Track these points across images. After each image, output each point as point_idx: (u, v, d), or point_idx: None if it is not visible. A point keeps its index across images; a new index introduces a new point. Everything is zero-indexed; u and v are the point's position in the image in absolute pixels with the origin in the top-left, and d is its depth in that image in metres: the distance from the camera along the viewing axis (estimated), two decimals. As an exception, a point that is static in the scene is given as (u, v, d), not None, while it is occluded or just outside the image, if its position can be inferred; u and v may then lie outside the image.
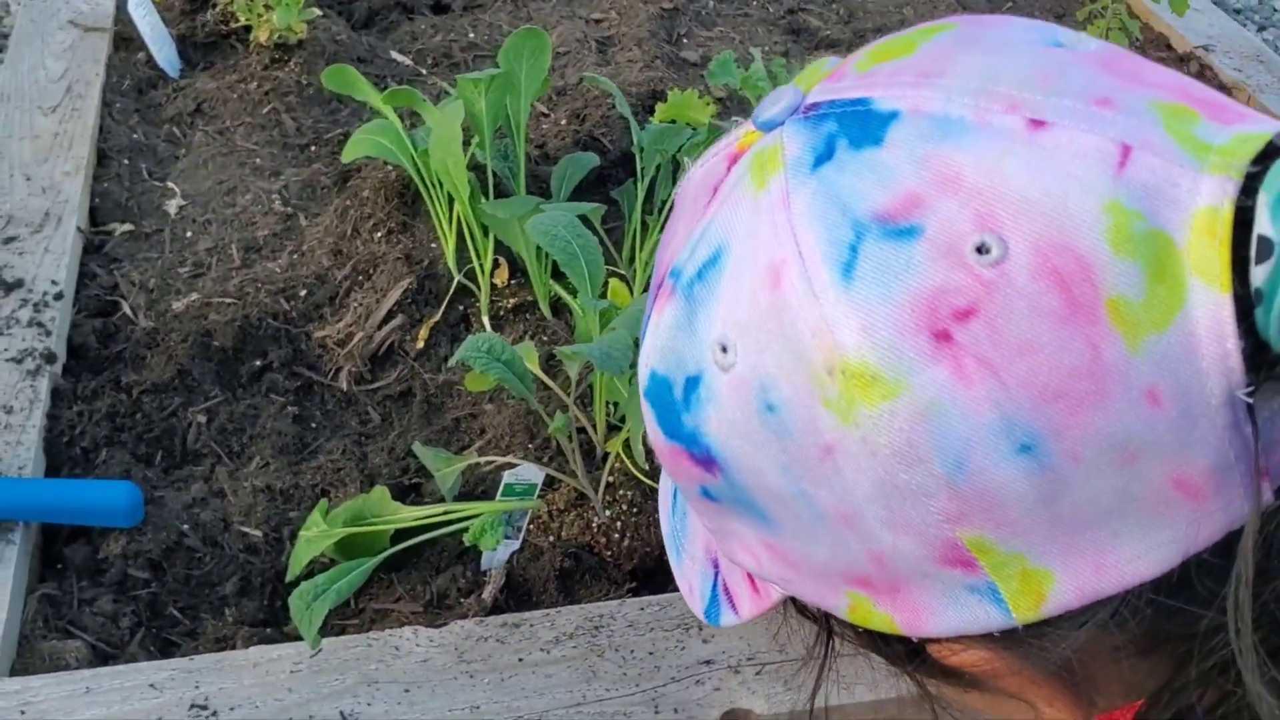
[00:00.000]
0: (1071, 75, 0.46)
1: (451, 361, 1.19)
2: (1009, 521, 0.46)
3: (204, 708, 1.06)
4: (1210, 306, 0.43)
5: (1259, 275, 0.42)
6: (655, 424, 0.55)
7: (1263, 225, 0.42)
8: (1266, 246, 0.41)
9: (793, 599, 0.58)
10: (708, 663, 1.13)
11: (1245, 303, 0.43)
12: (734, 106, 1.92)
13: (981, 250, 0.44)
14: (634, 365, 1.03)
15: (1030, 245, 0.43)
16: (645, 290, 1.45)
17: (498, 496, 1.24)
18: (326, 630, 1.07)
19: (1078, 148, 0.44)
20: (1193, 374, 0.43)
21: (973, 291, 0.44)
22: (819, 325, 0.46)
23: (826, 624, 0.58)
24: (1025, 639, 0.49)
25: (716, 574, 0.63)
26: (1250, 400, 0.43)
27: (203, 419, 1.38)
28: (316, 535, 1.17)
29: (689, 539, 0.66)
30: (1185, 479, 0.45)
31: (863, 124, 0.47)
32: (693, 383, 0.51)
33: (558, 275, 1.52)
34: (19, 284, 1.46)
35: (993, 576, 0.47)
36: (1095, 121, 0.44)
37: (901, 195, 0.45)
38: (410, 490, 1.34)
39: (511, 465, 1.26)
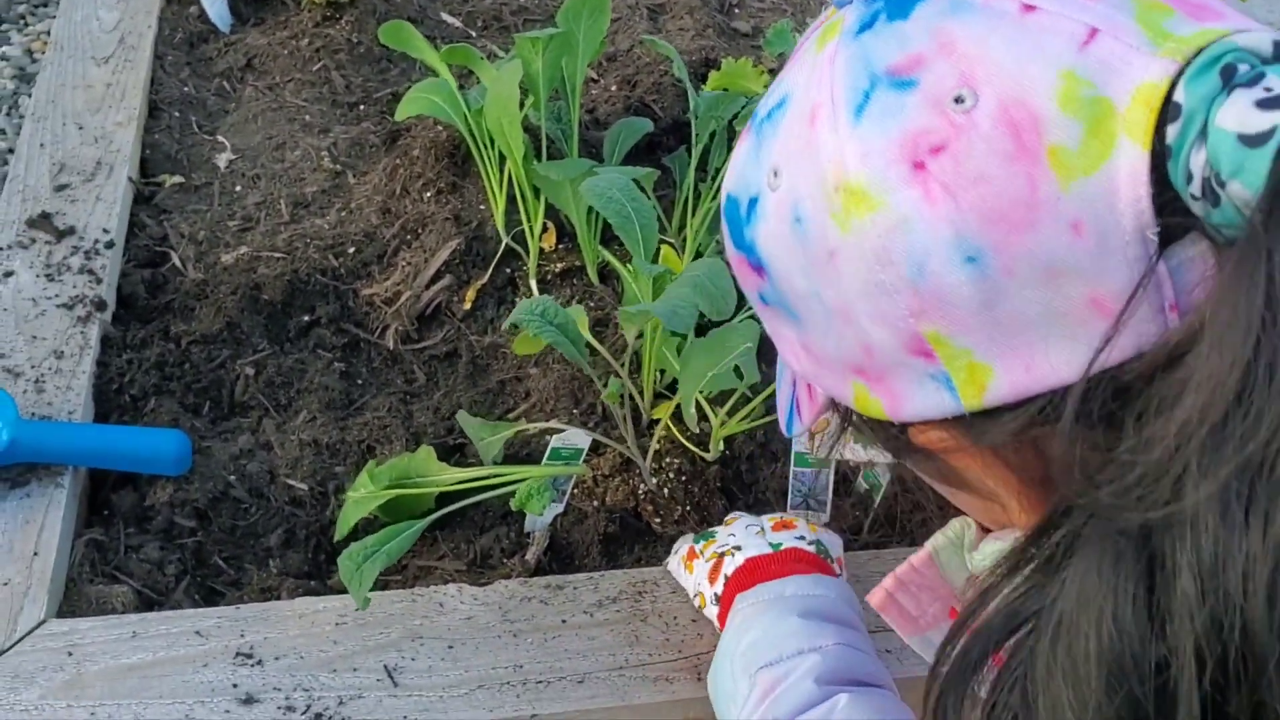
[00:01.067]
0: None
1: (505, 324, 1.18)
2: (958, 320, 0.56)
3: (249, 656, 1.06)
4: (1131, 159, 0.51)
5: (1170, 133, 0.50)
6: (728, 237, 0.68)
7: (1178, 93, 0.50)
8: (1176, 110, 0.50)
9: (833, 402, 0.70)
10: (751, 632, 1.13)
11: (1161, 159, 0.51)
12: (786, 78, 1.90)
13: (958, 100, 0.54)
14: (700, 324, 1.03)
15: (996, 99, 0.54)
16: (697, 258, 1.44)
17: (544, 460, 1.23)
18: (371, 587, 1.07)
19: (1055, 28, 0.53)
20: (1110, 213, 0.52)
21: (946, 132, 0.54)
22: (834, 153, 0.58)
23: (847, 415, 0.71)
24: (973, 422, 0.59)
25: (794, 391, 0.76)
26: (1155, 238, 0.52)
27: (250, 371, 1.38)
28: (363, 497, 1.17)
29: (784, 369, 0.78)
30: (1100, 300, 0.53)
31: (901, 2, 0.58)
32: (753, 202, 0.64)
33: (606, 242, 1.51)
34: (71, 231, 1.46)
35: (947, 367, 0.58)
36: (1076, 9, 0.54)
37: (910, 56, 0.56)
38: (455, 450, 1.33)
39: (555, 431, 1.26)
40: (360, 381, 1.41)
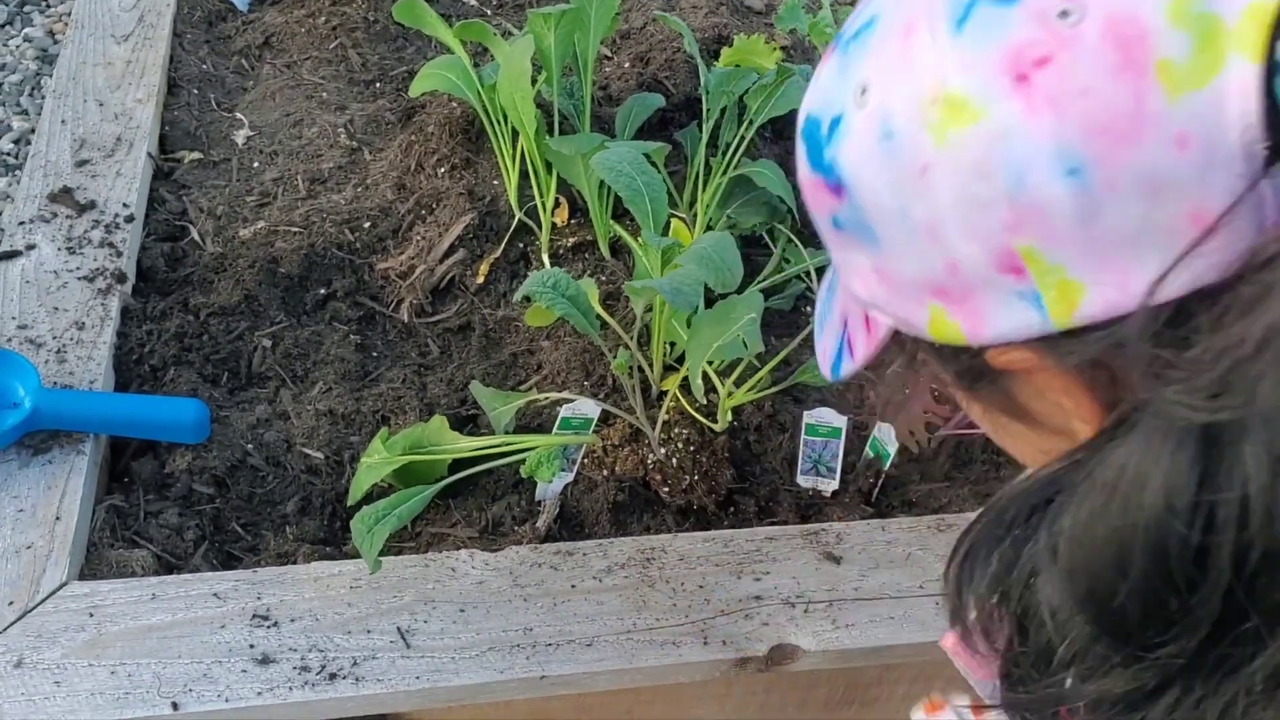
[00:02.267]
0: None
1: (517, 296, 1.20)
2: (1054, 234, 0.56)
3: (265, 618, 1.09)
4: (1242, 74, 0.51)
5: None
6: (804, 158, 0.68)
7: None
8: None
9: (895, 335, 0.69)
10: (757, 598, 1.15)
11: (1272, 73, 0.50)
12: (798, 54, 1.91)
13: (1064, 15, 0.54)
14: (711, 299, 1.03)
15: (1104, 14, 0.54)
16: (706, 231, 1.46)
17: (555, 430, 1.25)
18: (384, 551, 1.09)
19: None
20: (1218, 127, 0.52)
21: (1051, 45, 0.55)
22: (932, 65, 0.58)
23: (913, 346, 0.69)
24: (1059, 341, 0.59)
25: (844, 332, 0.76)
26: (1265, 153, 0.51)
27: (268, 343, 1.40)
28: (377, 462, 1.20)
29: (832, 313, 0.78)
30: (1201, 216, 0.53)
31: None
32: (836, 121, 0.64)
33: (618, 217, 1.53)
34: (91, 205, 1.48)
35: (1038, 284, 0.58)
36: None
37: None
38: (467, 421, 1.36)
39: (566, 401, 1.28)
40: (375, 354, 1.43)
